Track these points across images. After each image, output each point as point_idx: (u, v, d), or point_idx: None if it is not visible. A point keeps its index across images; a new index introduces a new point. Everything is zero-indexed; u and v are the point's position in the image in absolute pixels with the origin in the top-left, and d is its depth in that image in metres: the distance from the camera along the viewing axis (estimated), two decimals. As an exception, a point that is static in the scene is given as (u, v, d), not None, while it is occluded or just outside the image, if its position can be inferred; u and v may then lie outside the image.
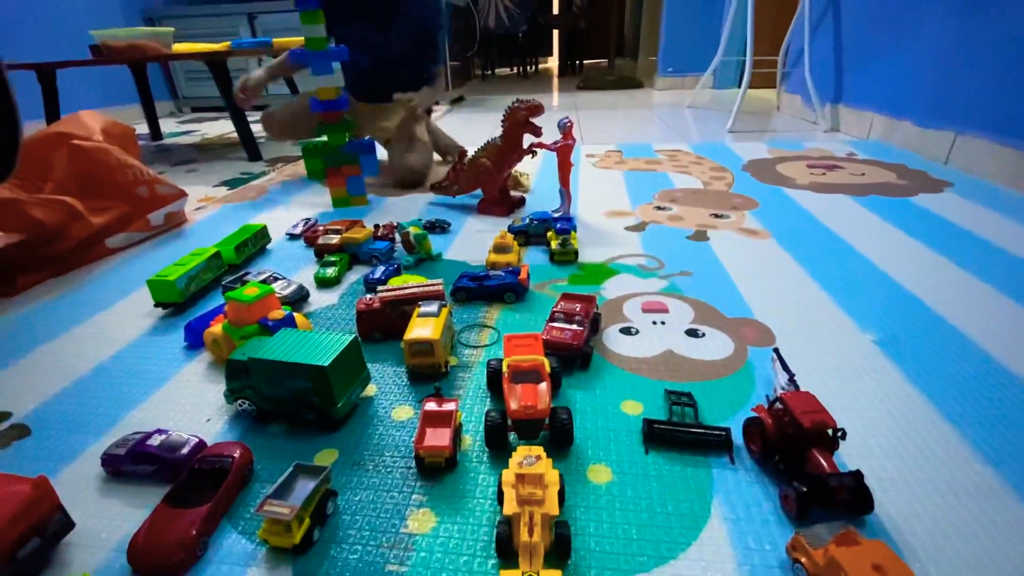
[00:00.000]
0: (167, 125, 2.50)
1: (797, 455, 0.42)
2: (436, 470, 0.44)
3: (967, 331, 0.60)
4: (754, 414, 0.46)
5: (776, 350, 0.52)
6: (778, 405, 0.44)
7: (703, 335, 0.60)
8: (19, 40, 2.00)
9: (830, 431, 0.42)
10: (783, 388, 0.49)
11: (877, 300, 0.66)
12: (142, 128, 2.34)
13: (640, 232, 0.88)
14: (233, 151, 1.77)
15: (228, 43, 1.59)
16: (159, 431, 0.46)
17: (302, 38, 1.47)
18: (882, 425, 0.48)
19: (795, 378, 0.50)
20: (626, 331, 0.61)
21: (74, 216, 0.82)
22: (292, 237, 0.92)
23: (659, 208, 1.00)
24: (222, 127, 2.34)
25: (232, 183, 1.33)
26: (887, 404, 0.50)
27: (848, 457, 0.44)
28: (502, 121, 0.93)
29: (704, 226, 0.90)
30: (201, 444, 0.46)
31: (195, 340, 0.62)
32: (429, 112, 1.29)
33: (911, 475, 0.43)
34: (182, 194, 0.98)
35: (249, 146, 1.57)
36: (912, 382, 0.53)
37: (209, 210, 1.10)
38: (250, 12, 2.65)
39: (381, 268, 0.73)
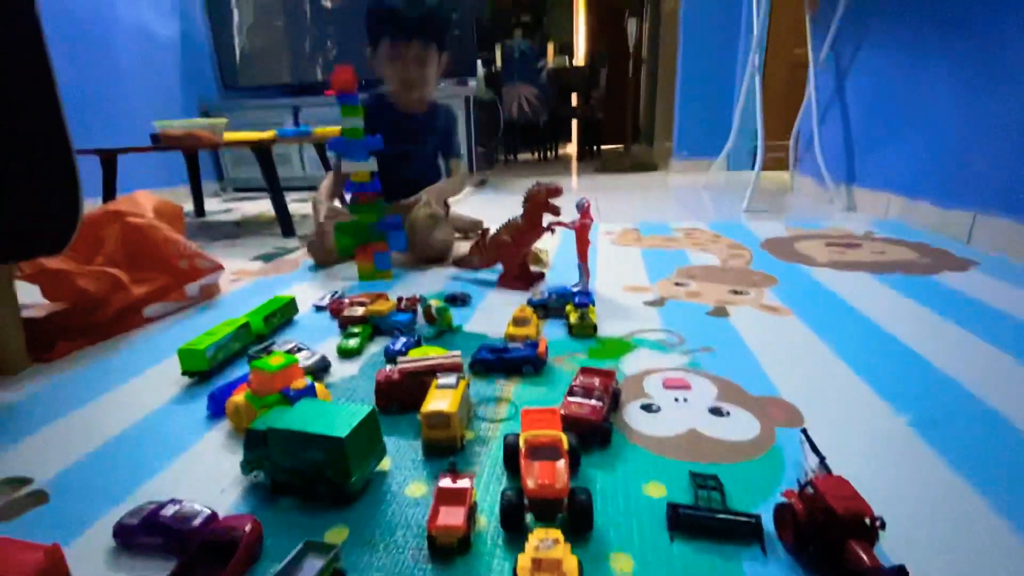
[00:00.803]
0: (211, 203, 2.67)
1: (833, 546, 0.39)
2: (449, 551, 0.42)
3: (1009, 414, 0.57)
4: (785, 500, 0.43)
5: (804, 431, 0.50)
6: (809, 490, 0.42)
7: (728, 414, 0.58)
8: (88, 128, 2.22)
9: (867, 520, 0.39)
10: (814, 472, 0.46)
11: (908, 380, 0.64)
12: (188, 205, 2.50)
13: (659, 307, 0.88)
14: (269, 227, 1.87)
15: (274, 132, 1.73)
16: (173, 501, 0.46)
17: (339, 128, 1.60)
18: (925, 515, 0.44)
19: (826, 461, 0.47)
20: (647, 408, 0.60)
21: (117, 287, 0.86)
22: (319, 309, 0.94)
23: (678, 284, 1.00)
24: (261, 206, 2.49)
25: (266, 257, 1.40)
26: (929, 492, 0.47)
27: (890, 551, 0.41)
28: (523, 201, 0.97)
29: (724, 302, 0.89)
30: (213, 516, 0.45)
31: (217, 410, 0.63)
32: (446, 204, 1.36)
33: (961, 574, 0.39)
34: (219, 267, 1.02)
35: (284, 223, 1.66)
36: (955, 468, 0.49)
37: (243, 282, 1.15)
38: (295, 105, 2.90)
39: (402, 339, 0.74)
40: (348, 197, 1.14)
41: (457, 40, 2.76)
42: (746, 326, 0.79)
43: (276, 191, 1.63)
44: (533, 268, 1.11)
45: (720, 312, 0.85)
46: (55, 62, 0.65)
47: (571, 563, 0.37)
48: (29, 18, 0.63)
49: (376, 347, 0.78)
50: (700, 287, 0.98)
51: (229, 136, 1.71)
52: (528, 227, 0.98)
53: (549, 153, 5.29)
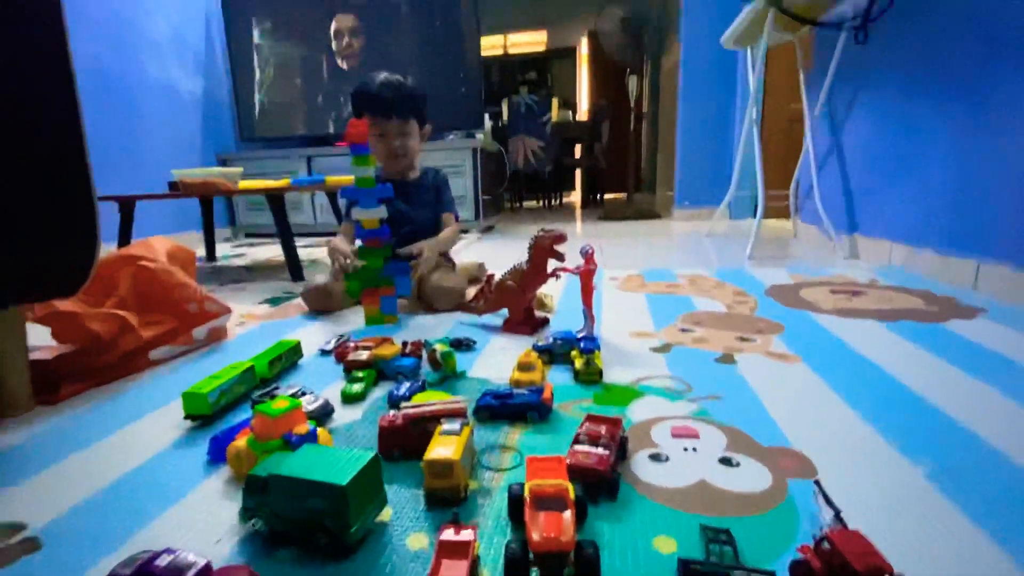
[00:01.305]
0: (222, 248, 2.72)
1: (853, 607, 0.37)
2: (450, 609, 0.41)
3: (1029, 467, 0.55)
4: (800, 555, 0.41)
5: (817, 483, 0.48)
6: (825, 545, 0.40)
7: (738, 464, 0.57)
8: (110, 175, 2.30)
9: (888, 578, 0.37)
10: (829, 526, 0.45)
11: (921, 429, 0.62)
12: (200, 250, 2.55)
13: (665, 353, 0.88)
14: (278, 272, 1.89)
15: (287, 179, 1.78)
16: (167, 551, 0.45)
17: (351, 177, 1.65)
18: (946, 570, 0.42)
19: (841, 514, 0.46)
20: (655, 458, 0.58)
21: (126, 329, 0.87)
22: (324, 353, 0.94)
23: (683, 330, 1.00)
24: (270, 251, 2.53)
25: (274, 301, 1.41)
26: (950, 546, 0.45)
27: (915, 613, 0.39)
28: (528, 248, 0.99)
29: (731, 349, 0.89)
30: (207, 567, 0.44)
31: (218, 455, 0.62)
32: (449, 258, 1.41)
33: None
34: (227, 311, 1.03)
35: (294, 267, 1.68)
36: (975, 521, 0.47)
37: (249, 326, 1.16)
38: (309, 155, 3.00)
39: (407, 384, 0.73)
40: (358, 243, 1.16)
41: (464, 97, 2.89)
42: (754, 373, 0.78)
43: (287, 236, 1.66)
44: (538, 313, 1.11)
45: (727, 359, 0.84)
46: (85, 114, 0.69)
47: (578, 622, 0.35)
48: (63, 73, 0.67)
49: (380, 391, 0.77)
50: (706, 333, 0.97)
51: (244, 184, 1.76)
52: (533, 272, 0.99)
53: (554, 201, 5.41)
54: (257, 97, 3.10)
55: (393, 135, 1.25)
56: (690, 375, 0.78)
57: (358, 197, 1.09)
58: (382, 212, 1.09)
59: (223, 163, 3.04)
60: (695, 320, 1.06)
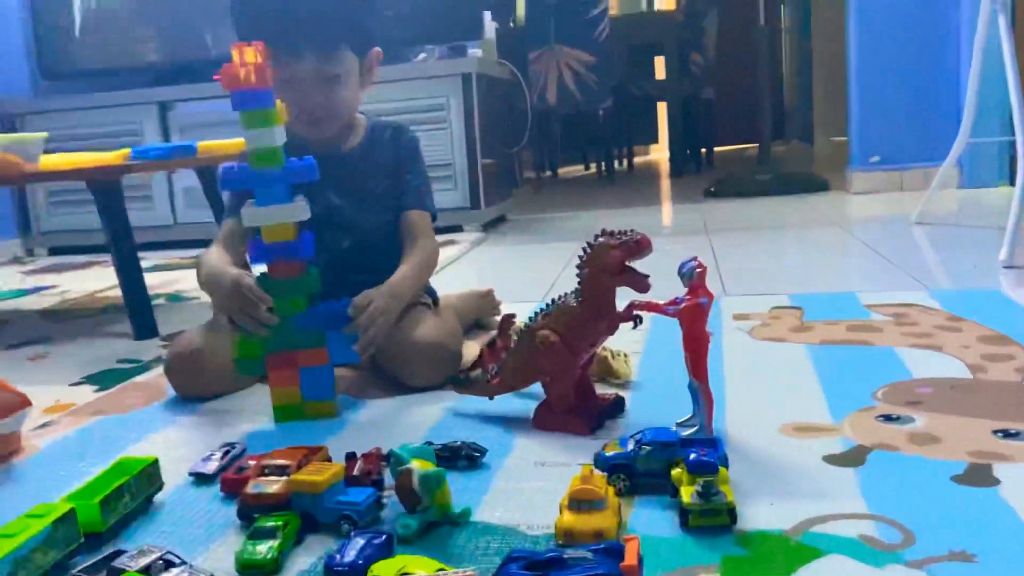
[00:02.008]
0: (6, 276, 2.76)
1: None
2: None
3: None
4: None
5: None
6: None
7: None
8: None
9: None
10: None
11: None
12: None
13: (857, 468, 0.86)
14: (110, 320, 1.90)
15: (127, 150, 1.81)
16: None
17: (239, 142, 1.66)
18: None
19: None
20: None
21: None
22: (200, 479, 0.94)
23: (888, 419, 0.98)
24: (95, 279, 2.56)
25: (104, 378, 1.41)
26: None
27: None
28: (579, 265, 0.98)
29: (985, 455, 0.87)
30: None
31: None
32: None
33: None
34: (20, 404, 1.04)
35: (138, 312, 1.69)
36: None
37: (62, 428, 1.15)
38: (164, 101, 3.05)
39: (359, 542, 0.72)
40: (256, 271, 1.16)
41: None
42: (1034, 502, 0.75)
43: (125, 255, 1.68)
44: (602, 390, 1.10)
45: (979, 477, 0.82)
46: None
47: None
48: None
49: (309, 556, 0.76)
50: (934, 424, 0.96)
51: (50, 161, 1.80)
52: (590, 313, 0.98)
53: (616, 165, 5.44)
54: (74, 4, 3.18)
55: (310, 83, 1.25)
56: (908, 511, 0.76)
57: (252, 184, 1.09)
58: (300, 211, 1.10)
59: (10, 124, 3.10)
60: (910, 397, 1.04)
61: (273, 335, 1.11)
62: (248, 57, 1.06)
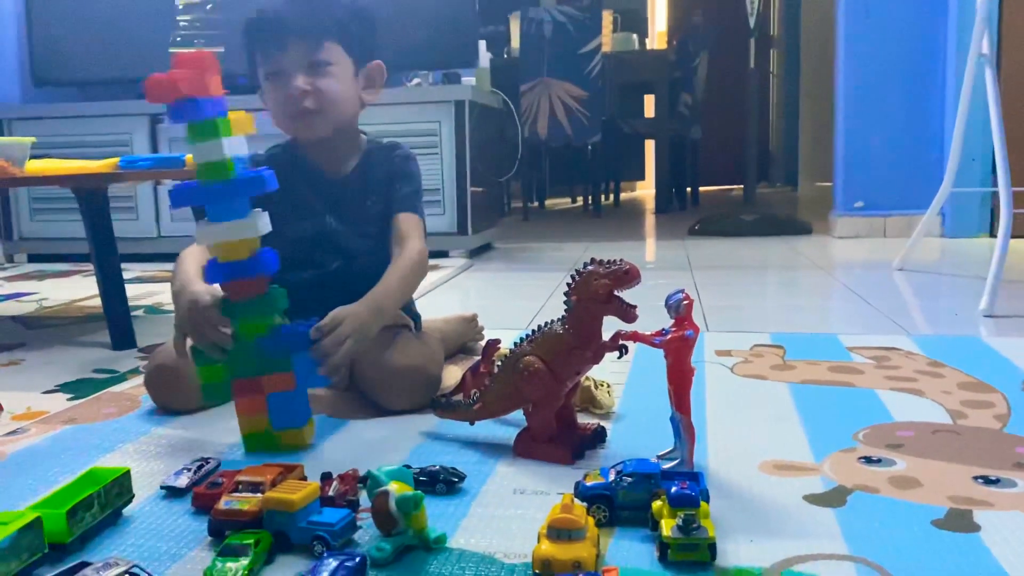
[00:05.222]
0: (-16, 282, 2.73)
1: None
2: None
3: None
4: None
5: None
6: None
7: None
8: None
9: None
10: None
11: None
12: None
13: (837, 508, 0.86)
14: (88, 330, 1.89)
15: (115, 160, 1.80)
16: None
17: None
18: None
19: None
20: None
21: None
22: (172, 492, 0.93)
23: (868, 461, 0.99)
24: (73, 288, 2.55)
25: (78, 387, 1.40)
26: None
27: None
28: (566, 293, 0.98)
29: (965, 501, 0.87)
30: None
31: None
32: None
33: None
34: (-10, 408, 1.02)
35: (116, 322, 1.68)
36: None
37: (32, 436, 1.14)
38: (153, 114, 3.05)
39: (331, 563, 0.71)
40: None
41: (442, 8, 2.96)
42: (1015, 552, 0.76)
43: (108, 265, 1.67)
44: (584, 420, 1.10)
45: (959, 522, 0.82)
46: None
47: None
48: None
49: (280, 575, 0.76)
50: (915, 467, 0.96)
51: (34, 167, 1.79)
52: (576, 341, 0.97)
53: (603, 199, 5.48)
54: (66, 10, 3.18)
55: (295, 71, 1.23)
56: (888, 554, 0.76)
57: (201, 201, 1.06)
58: (255, 226, 1.05)
59: (-1, 128, 3.09)
60: (891, 440, 1.05)
61: (236, 359, 1.07)
62: (192, 64, 1.02)
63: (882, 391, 1.25)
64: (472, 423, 1.09)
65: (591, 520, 0.77)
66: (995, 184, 1.97)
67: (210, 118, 1.02)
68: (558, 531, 0.74)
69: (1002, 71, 2.87)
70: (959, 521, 0.82)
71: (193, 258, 1.20)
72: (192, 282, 1.13)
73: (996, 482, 0.91)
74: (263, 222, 1.06)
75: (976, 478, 0.92)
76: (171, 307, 2.09)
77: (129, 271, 2.57)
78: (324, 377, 1.09)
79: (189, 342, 1.11)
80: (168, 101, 1.01)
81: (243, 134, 1.07)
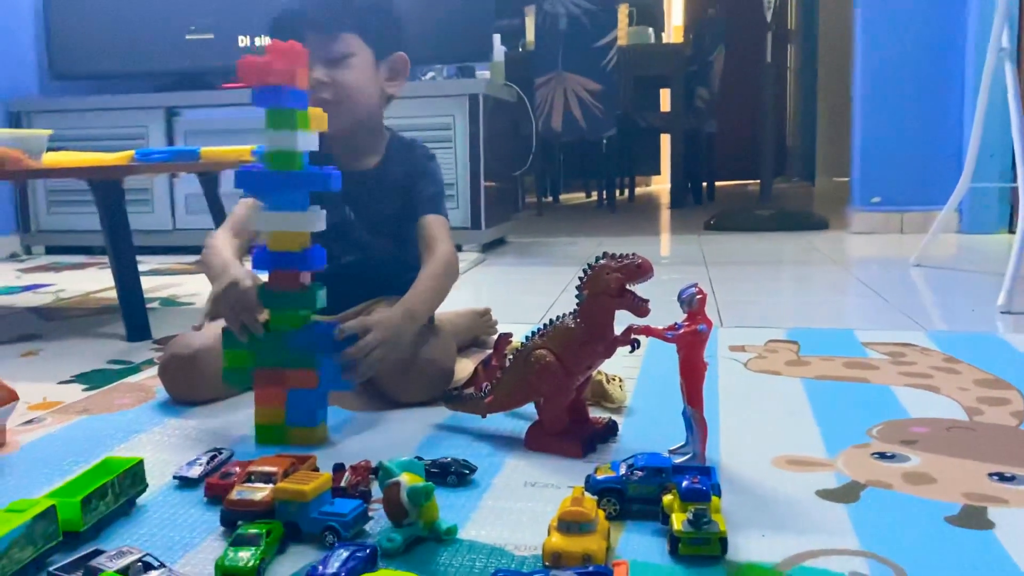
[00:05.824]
0: (2, 272, 2.76)
1: None
2: None
3: None
4: None
5: None
6: None
7: None
8: None
9: None
10: None
11: None
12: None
13: (850, 504, 0.86)
14: (103, 322, 1.90)
15: (131, 152, 1.82)
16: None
17: (246, 148, 1.64)
18: None
19: None
20: None
21: None
22: (185, 482, 0.94)
23: (882, 457, 0.98)
24: (90, 280, 2.56)
25: (93, 378, 1.41)
26: None
27: None
28: (578, 287, 0.98)
29: (980, 498, 0.86)
30: None
31: None
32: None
33: None
34: (7, 398, 1.03)
35: (132, 314, 1.69)
36: None
37: (47, 426, 1.15)
38: (171, 106, 3.07)
39: (343, 554, 0.71)
40: (258, 274, 1.14)
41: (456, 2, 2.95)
42: (1029, 548, 0.75)
43: (123, 256, 1.68)
44: (596, 413, 1.10)
45: (973, 518, 0.82)
46: None
47: None
48: None
49: (290, 566, 0.76)
50: (929, 463, 0.95)
51: (51, 159, 1.80)
52: (588, 335, 0.97)
53: (618, 193, 5.47)
54: (83, 4, 3.19)
55: (313, 63, 1.23)
56: (901, 550, 0.76)
57: (265, 189, 1.07)
58: (315, 220, 1.07)
59: (16, 120, 3.11)
60: (905, 436, 1.04)
61: (264, 349, 1.08)
62: (281, 50, 1.04)
63: (897, 387, 1.25)
64: (484, 416, 1.10)
65: (601, 513, 0.77)
66: (1014, 179, 1.96)
67: (291, 108, 1.04)
68: (568, 524, 0.75)
69: (1022, 65, 2.84)
70: (973, 518, 0.82)
71: (227, 242, 1.23)
72: (234, 264, 1.17)
73: (1012, 479, 0.91)
74: (320, 219, 1.08)
75: (991, 475, 0.92)
76: (185, 300, 2.16)
77: (144, 263, 2.58)
78: (348, 382, 1.09)
79: (216, 325, 1.13)
80: (257, 84, 1.03)
81: (317, 131, 1.09)
